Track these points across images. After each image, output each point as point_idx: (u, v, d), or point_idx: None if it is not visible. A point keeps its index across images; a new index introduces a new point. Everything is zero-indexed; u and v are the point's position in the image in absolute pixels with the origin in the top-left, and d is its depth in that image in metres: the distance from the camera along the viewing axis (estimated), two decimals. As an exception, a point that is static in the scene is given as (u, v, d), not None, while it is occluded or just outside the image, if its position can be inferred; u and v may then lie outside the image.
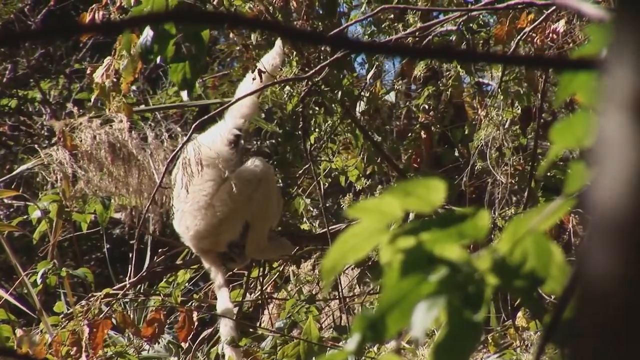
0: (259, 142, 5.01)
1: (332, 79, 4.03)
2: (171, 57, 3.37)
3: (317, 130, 4.36)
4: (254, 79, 3.89)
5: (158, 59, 3.37)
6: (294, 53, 3.98)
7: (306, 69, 3.90)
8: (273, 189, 4.21)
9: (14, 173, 4.39)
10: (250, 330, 4.27)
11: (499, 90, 3.97)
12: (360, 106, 4.26)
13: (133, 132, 3.91)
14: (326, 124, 4.33)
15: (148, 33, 3.35)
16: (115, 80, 3.87)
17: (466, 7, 3.90)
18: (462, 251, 1.10)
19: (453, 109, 4.42)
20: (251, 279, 4.52)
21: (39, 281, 4.03)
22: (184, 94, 3.48)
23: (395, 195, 1.10)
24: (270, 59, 4.01)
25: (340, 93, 4.03)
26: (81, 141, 3.89)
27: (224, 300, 4.09)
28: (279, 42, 4.01)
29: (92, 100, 4.02)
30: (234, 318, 4.05)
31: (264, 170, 4.13)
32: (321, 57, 3.96)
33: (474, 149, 4.16)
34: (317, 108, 4.23)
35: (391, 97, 4.42)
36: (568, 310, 1.02)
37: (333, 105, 4.14)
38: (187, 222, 4.11)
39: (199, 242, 4.14)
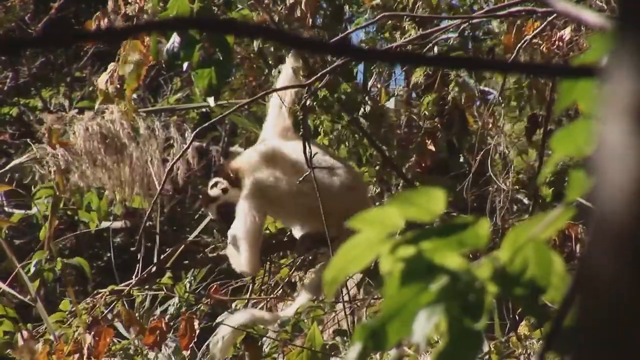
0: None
1: (336, 86, 4.03)
2: (197, 63, 3.37)
3: (321, 135, 4.36)
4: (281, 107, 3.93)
5: (185, 65, 3.37)
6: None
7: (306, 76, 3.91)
8: None
9: (8, 167, 4.37)
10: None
11: (504, 99, 3.96)
12: (365, 110, 4.26)
13: (124, 122, 3.93)
14: (331, 132, 4.32)
15: (175, 39, 3.35)
16: (118, 86, 3.87)
17: (468, 15, 3.89)
18: (463, 260, 1.09)
19: (459, 115, 4.41)
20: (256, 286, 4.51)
21: (32, 270, 4.02)
22: (211, 100, 3.49)
23: (396, 205, 1.10)
24: (284, 76, 4.00)
25: (343, 99, 4.03)
26: (74, 133, 3.89)
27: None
28: (289, 59, 4.01)
29: (97, 107, 4.02)
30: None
31: None
32: (325, 66, 3.96)
33: (474, 159, 4.15)
34: (320, 116, 4.23)
35: (391, 103, 4.42)
36: (568, 318, 1.02)
37: (330, 112, 4.14)
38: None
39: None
